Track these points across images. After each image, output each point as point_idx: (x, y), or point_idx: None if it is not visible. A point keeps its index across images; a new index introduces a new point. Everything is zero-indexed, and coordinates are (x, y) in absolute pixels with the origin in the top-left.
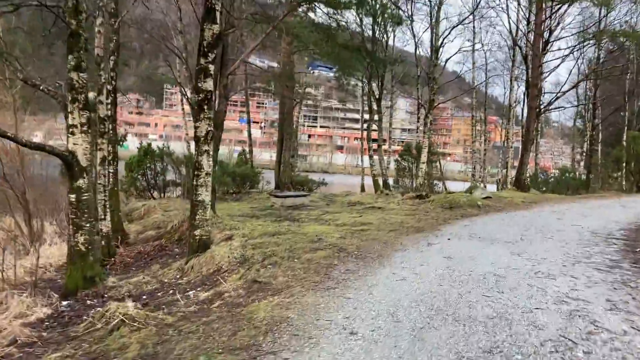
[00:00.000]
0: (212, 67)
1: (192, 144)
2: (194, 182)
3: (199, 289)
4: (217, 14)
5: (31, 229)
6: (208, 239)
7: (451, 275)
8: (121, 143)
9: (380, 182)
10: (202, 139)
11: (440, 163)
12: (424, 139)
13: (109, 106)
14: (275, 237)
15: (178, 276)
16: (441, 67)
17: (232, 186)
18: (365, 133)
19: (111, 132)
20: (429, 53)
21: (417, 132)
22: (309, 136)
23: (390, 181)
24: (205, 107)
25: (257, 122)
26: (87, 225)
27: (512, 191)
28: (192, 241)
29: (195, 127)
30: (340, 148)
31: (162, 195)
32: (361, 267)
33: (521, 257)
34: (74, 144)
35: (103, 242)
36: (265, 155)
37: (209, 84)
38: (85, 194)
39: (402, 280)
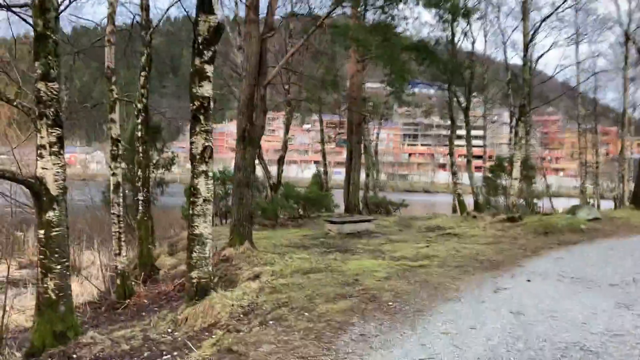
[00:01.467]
0: (209, 69)
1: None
2: (190, 212)
3: (175, 353)
4: (216, 1)
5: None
6: (208, 282)
7: (511, 347)
8: (169, 167)
9: (471, 202)
10: (197, 157)
11: (545, 178)
12: (516, 151)
13: (139, 126)
14: (307, 277)
15: (170, 330)
16: (532, 67)
17: (295, 211)
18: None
19: (141, 154)
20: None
21: (510, 143)
22: (410, 155)
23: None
24: (202, 117)
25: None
26: (58, 267)
27: (629, 210)
28: (189, 285)
29: (190, 143)
30: (443, 166)
31: (224, 222)
32: (384, 331)
33: (631, 311)
34: (43, 168)
35: (118, 281)
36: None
37: (205, 89)
38: (56, 229)
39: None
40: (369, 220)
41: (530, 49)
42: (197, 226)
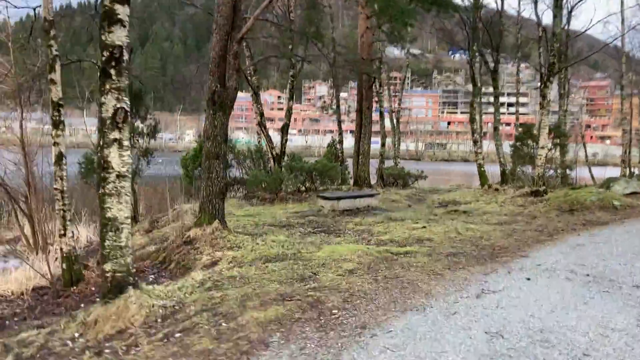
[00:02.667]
0: (122, 10)
1: (327, 137)
2: (101, 190)
3: None
4: None
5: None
6: (125, 276)
7: None
8: (153, 135)
9: (498, 173)
10: (108, 121)
11: (585, 146)
12: (543, 117)
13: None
14: (265, 266)
15: (77, 334)
16: (566, 20)
17: (301, 183)
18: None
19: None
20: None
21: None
22: (449, 123)
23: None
24: (113, 71)
25: (393, 111)
26: None
27: None
28: (103, 280)
29: (100, 105)
30: (484, 134)
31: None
32: None
33: None
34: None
35: (64, 266)
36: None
37: (117, 36)
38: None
39: None
40: (371, 195)
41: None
42: (109, 208)
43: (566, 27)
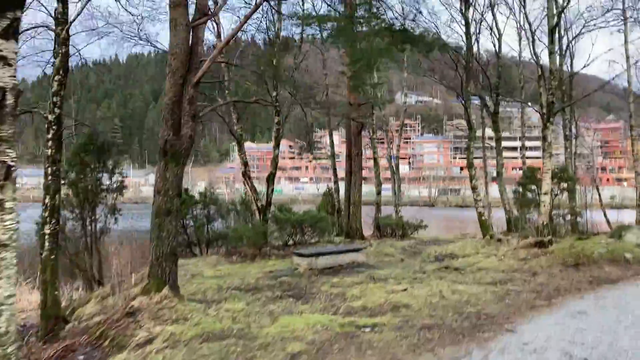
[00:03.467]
0: (5, 46)
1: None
2: None
3: None
4: None
5: None
6: None
7: None
8: (121, 192)
9: (505, 220)
10: None
11: (598, 189)
12: (545, 160)
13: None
14: (200, 347)
15: None
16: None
17: (288, 237)
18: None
19: (50, 177)
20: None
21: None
22: (461, 169)
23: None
24: None
25: (405, 158)
26: None
27: None
28: None
29: None
30: (495, 179)
31: (207, 252)
32: None
33: None
34: None
35: None
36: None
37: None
38: None
39: None
40: (356, 250)
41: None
42: None
43: (569, 68)
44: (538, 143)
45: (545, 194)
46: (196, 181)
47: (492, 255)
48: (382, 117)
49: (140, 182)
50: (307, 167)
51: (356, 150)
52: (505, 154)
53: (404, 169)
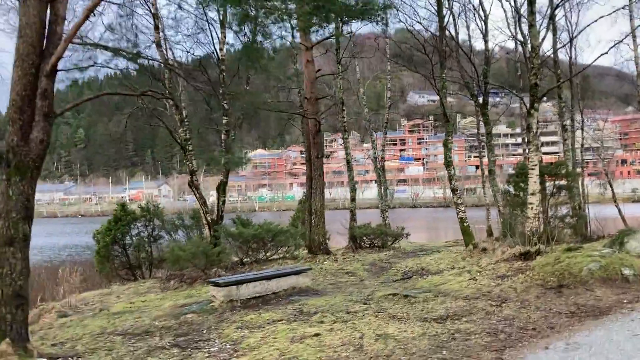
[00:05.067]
0: None
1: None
2: None
3: None
4: None
5: None
6: None
7: None
8: None
9: (493, 226)
10: None
11: (611, 185)
12: (530, 154)
13: None
14: None
15: None
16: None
17: (248, 253)
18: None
19: None
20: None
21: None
22: (477, 167)
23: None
24: None
25: (419, 159)
26: None
27: None
28: None
29: None
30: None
31: (150, 275)
32: None
33: None
34: None
35: None
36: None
37: None
38: None
39: None
40: (297, 272)
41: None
42: None
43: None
44: (555, 138)
45: (533, 194)
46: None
47: (467, 271)
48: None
49: (154, 194)
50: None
51: (315, 152)
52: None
53: (417, 170)
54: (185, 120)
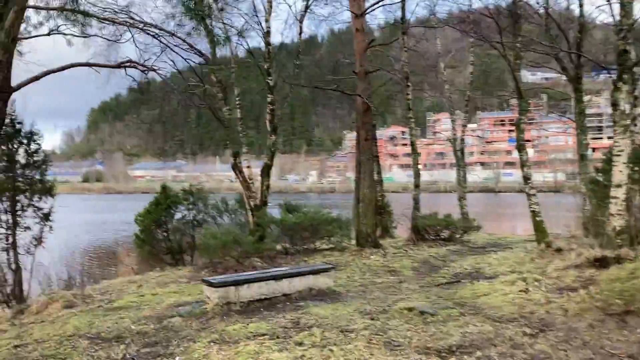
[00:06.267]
0: None
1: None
2: None
3: None
4: None
5: None
6: None
7: None
8: None
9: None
10: None
11: None
12: (615, 136)
13: None
14: None
15: None
16: None
17: (294, 241)
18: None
19: None
20: None
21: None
22: (594, 150)
23: None
24: None
25: (529, 141)
26: None
27: None
28: None
29: None
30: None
31: (191, 261)
32: None
33: None
34: None
35: None
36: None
37: None
38: None
39: None
40: (316, 272)
41: None
42: None
43: None
44: None
45: (618, 186)
46: (309, 170)
47: (522, 279)
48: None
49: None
50: (420, 154)
51: (364, 133)
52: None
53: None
54: (237, 98)
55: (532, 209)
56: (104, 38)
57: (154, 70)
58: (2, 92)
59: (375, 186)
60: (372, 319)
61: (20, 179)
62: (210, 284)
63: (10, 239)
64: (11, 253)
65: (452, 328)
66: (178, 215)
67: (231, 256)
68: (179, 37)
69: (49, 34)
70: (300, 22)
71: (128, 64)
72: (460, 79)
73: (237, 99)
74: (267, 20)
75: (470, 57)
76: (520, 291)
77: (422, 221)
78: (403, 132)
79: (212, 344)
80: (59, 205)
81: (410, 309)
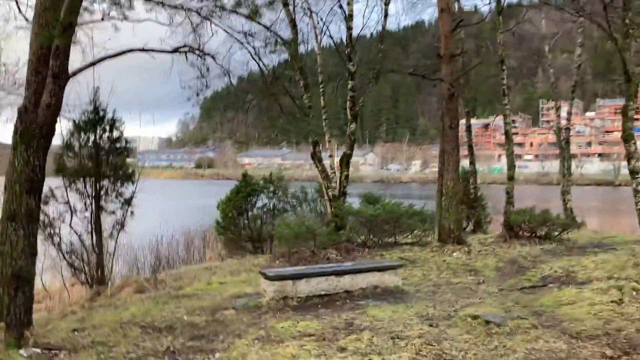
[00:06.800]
0: None
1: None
2: None
3: None
4: None
5: None
6: None
7: None
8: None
9: None
10: None
11: None
12: None
13: None
14: None
15: None
16: None
17: (371, 234)
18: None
19: None
20: None
21: None
22: None
23: None
24: None
25: None
26: None
27: None
28: None
29: None
30: None
31: (270, 250)
32: None
33: None
34: None
35: None
36: None
37: None
38: None
39: None
40: (381, 269)
41: None
42: None
43: None
44: None
45: None
46: (411, 160)
47: (619, 288)
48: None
49: (360, 161)
50: (531, 144)
51: (448, 121)
52: None
53: None
54: (321, 84)
55: (639, 208)
56: (159, 23)
57: (211, 56)
58: (58, 79)
59: (458, 178)
60: (431, 326)
61: (103, 165)
62: (267, 277)
63: (94, 223)
64: (95, 236)
65: (518, 343)
66: (260, 204)
67: (306, 247)
68: (260, 24)
69: (102, 20)
70: (386, 4)
71: (184, 48)
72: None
73: (320, 86)
74: (349, 4)
75: (578, 39)
76: (611, 302)
77: (516, 217)
78: (514, 121)
79: (255, 341)
80: (167, 190)
81: (475, 317)
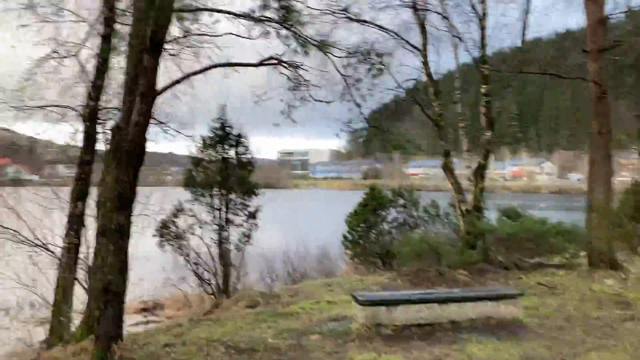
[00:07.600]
0: None
1: None
2: None
3: None
4: None
5: None
6: None
7: None
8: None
9: None
10: None
11: None
12: None
13: None
14: None
15: None
16: None
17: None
18: None
19: None
20: None
21: None
22: None
23: None
24: None
25: None
26: None
27: None
28: None
29: None
30: None
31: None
32: None
33: None
34: None
35: None
36: None
37: None
38: None
39: None
40: (495, 298)
41: None
42: None
43: None
44: None
45: None
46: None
47: None
48: None
49: (535, 171)
50: None
51: (598, 125)
52: None
53: None
54: (458, 93)
55: None
56: (241, 36)
57: (300, 67)
58: (146, 97)
59: (610, 191)
60: None
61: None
62: (357, 301)
63: (224, 235)
64: (223, 248)
65: None
66: (390, 217)
67: (433, 266)
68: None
69: (184, 37)
70: None
71: (271, 61)
72: None
73: (457, 92)
74: (482, 2)
75: None
76: None
77: None
78: None
79: None
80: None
81: None
